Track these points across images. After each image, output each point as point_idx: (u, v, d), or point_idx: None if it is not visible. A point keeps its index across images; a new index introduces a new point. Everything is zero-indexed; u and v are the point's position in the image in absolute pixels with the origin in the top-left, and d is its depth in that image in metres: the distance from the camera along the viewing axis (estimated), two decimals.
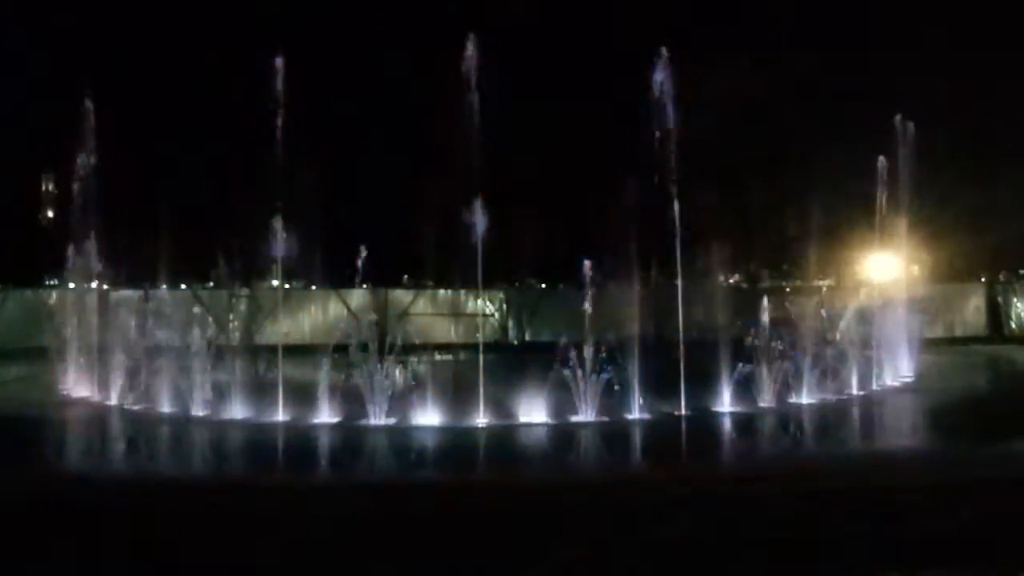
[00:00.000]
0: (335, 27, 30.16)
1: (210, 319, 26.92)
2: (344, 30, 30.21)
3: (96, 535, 7.34)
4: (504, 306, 29.82)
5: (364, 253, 16.25)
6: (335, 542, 7.20)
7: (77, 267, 18.28)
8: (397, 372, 14.60)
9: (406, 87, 28.41)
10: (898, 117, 19.23)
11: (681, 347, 14.09)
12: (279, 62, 14.85)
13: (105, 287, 19.17)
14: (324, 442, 12.50)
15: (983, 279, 32.52)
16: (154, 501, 8.64)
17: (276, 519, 7.92)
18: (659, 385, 13.68)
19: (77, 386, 17.03)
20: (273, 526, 7.65)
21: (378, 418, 12.90)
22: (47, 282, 28.71)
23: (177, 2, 30.82)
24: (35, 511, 8.09)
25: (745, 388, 14.31)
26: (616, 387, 13.20)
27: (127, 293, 21.53)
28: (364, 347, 13.67)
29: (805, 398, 14.92)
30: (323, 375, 13.91)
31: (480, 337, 20.33)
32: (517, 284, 30.83)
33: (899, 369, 18.37)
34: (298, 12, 29.31)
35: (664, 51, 14.75)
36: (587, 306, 13.87)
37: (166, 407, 14.45)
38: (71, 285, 20.25)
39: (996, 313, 30.69)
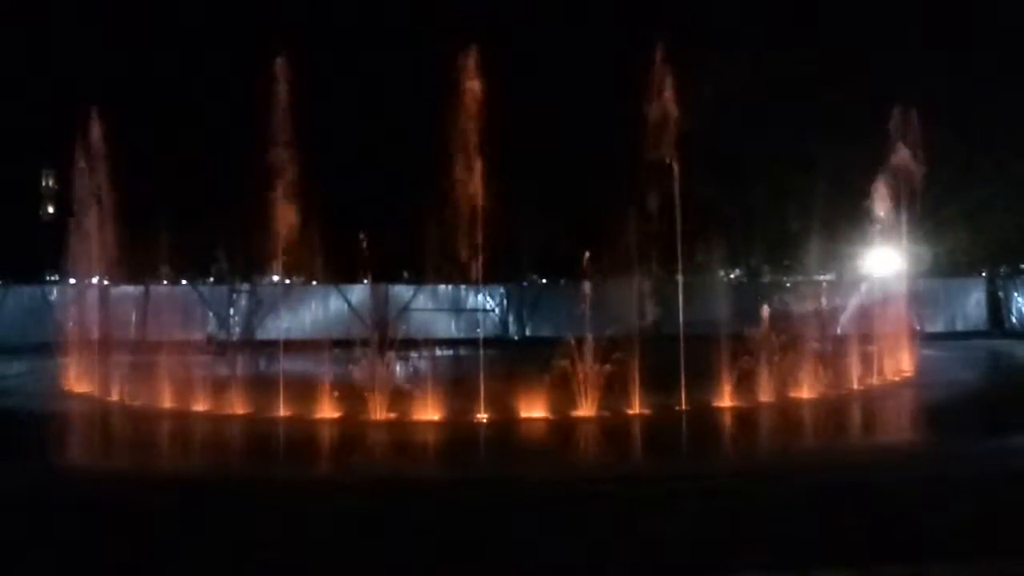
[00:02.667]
0: (336, 25, 30.11)
1: (211, 314, 27.11)
2: (345, 27, 30.16)
3: (96, 528, 7.36)
4: (504, 301, 29.85)
5: (364, 249, 16.28)
6: (334, 538, 7.21)
7: (77, 263, 18.26)
8: (398, 368, 14.62)
9: (407, 83, 28.38)
10: (898, 111, 19.18)
11: (681, 342, 14.09)
12: (280, 59, 14.85)
13: (106, 283, 19.16)
14: (324, 437, 12.52)
15: (984, 273, 32.52)
16: (152, 495, 8.67)
17: (275, 514, 7.93)
18: (659, 380, 13.69)
19: (78, 382, 17.04)
20: (272, 521, 7.67)
21: (379, 413, 12.91)
22: (47, 278, 28.75)
23: (178, 1, 30.79)
24: (36, 504, 8.12)
25: (745, 383, 14.31)
26: (616, 382, 13.20)
27: (128, 289, 21.55)
28: (365, 343, 13.70)
29: (805, 393, 14.93)
30: (324, 370, 13.94)
31: (481, 332, 20.34)
32: (518, 280, 30.85)
33: (899, 364, 18.38)
34: (299, 11, 29.27)
35: (665, 47, 14.73)
36: (587, 301, 13.86)
37: (167, 402, 14.46)
38: (71, 281, 20.26)
39: (997, 307, 30.69)
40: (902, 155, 18.96)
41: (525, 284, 30.59)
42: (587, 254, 15.37)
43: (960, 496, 8.17)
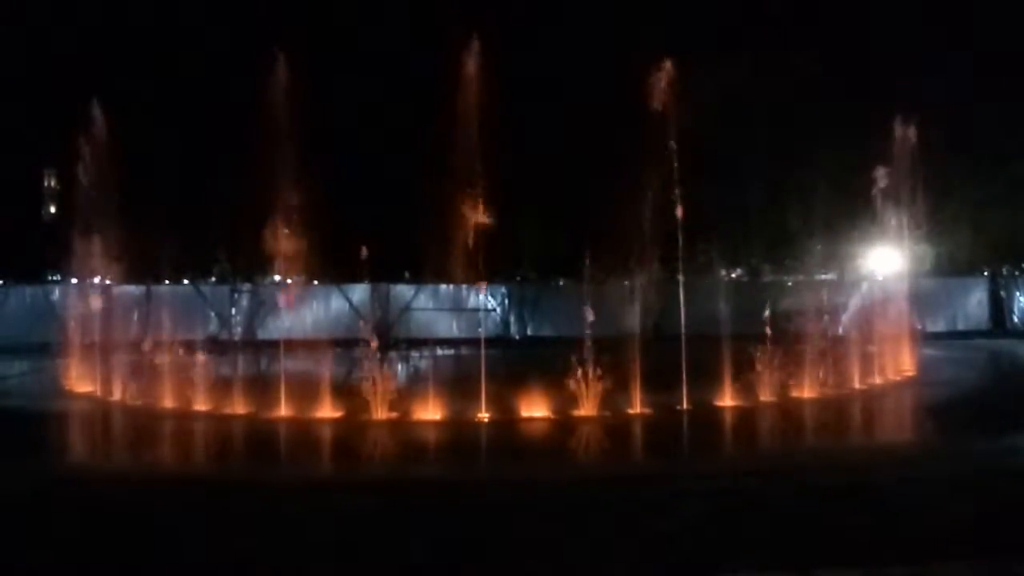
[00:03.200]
0: (337, 24, 30.10)
1: (213, 314, 27.14)
2: (345, 27, 30.14)
3: (97, 528, 7.37)
4: (506, 301, 29.84)
5: (364, 249, 16.26)
6: (336, 537, 7.22)
7: (79, 262, 18.28)
8: (399, 367, 14.63)
9: (408, 82, 28.38)
10: (899, 110, 19.18)
11: (683, 341, 14.08)
12: (281, 58, 14.88)
13: (107, 283, 19.18)
14: (325, 437, 12.53)
15: (986, 272, 32.49)
16: (152, 494, 8.68)
17: (277, 514, 7.94)
18: (660, 380, 13.68)
19: (80, 382, 17.06)
20: (274, 521, 7.68)
21: (380, 413, 12.91)
22: (49, 278, 28.78)
23: (181, 0, 30.81)
24: (38, 504, 8.13)
25: (746, 382, 14.30)
26: (617, 382, 13.18)
27: (129, 288, 21.57)
28: (366, 342, 13.70)
29: (807, 392, 14.92)
30: (325, 370, 13.95)
31: (482, 332, 20.32)
32: (519, 279, 30.83)
33: (901, 363, 18.36)
34: (300, 11, 29.27)
35: (666, 45, 14.75)
36: (588, 301, 13.84)
37: (168, 402, 14.48)
38: (73, 281, 20.29)
39: (999, 307, 30.67)
40: (903, 154, 18.96)
41: (522, 281, 30.59)
42: (588, 254, 15.37)
43: (962, 495, 8.17)
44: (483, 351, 14.17)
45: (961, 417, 13.46)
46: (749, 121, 28.18)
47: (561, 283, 29.84)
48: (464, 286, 27.45)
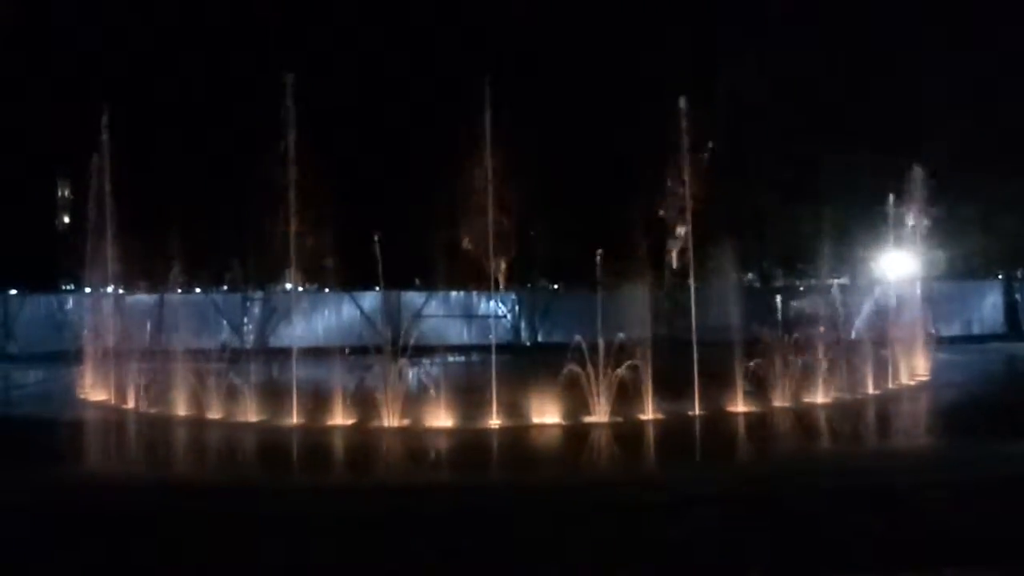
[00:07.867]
0: (342, 31, 30.25)
1: (225, 322, 27.25)
2: (350, 34, 30.29)
3: (112, 536, 7.40)
4: (516, 307, 29.84)
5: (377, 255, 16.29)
6: (346, 543, 7.22)
7: (93, 272, 18.39)
8: (410, 374, 14.63)
9: (415, 89, 28.48)
10: (914, 113, 19.09)
11: (694, 347, 14.02)
12: (288, 67, 14.94)
13: (120, 291, 19.30)
14: (338, 444, 12.54)
15: (1000, 276, 32.26)
16: (166, 502, 8.70)
17: (289, 520, 7.95)
18: (672, 385, 13.63)
19: (94, 390, 17.15)
20: (287, 527, 7.69)
21: (392, 420, 12.92)
22: (63, 287, 28.98)
23: (189, 8, 31.02)
24: (50, 511, 8.17)
25: (759, 388, 14.22)
26: (629, 387, 13.14)
27: (142, 297, 21.68)
28: (378, 350, 13.72)
29: (820, 397, 14.83)
30: (337, 378, 13.97)
31: (493, 338, 20.32)
32: (529, 285, 30.84)
33: (915, 368, 18.23)
34: (306, 19, 29.43)
35: (679, 51, 14.74)
36: (599, 307, 13.82)
37: (182, 410, 14.54)
38: (87, 290, 20.41)
39: (1014, 310, 30.46)
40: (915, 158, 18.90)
41: (532, 287, 30.59)
42: (599, 260, 15.34)
43: (976, 500, 8.10)
44: (494, 357, 14.16)
45: (975, 422, 13.32)
46: (762, 124, 28.09)
47: (573, 288, 29.79)
48: (475, 293, 27.52)
